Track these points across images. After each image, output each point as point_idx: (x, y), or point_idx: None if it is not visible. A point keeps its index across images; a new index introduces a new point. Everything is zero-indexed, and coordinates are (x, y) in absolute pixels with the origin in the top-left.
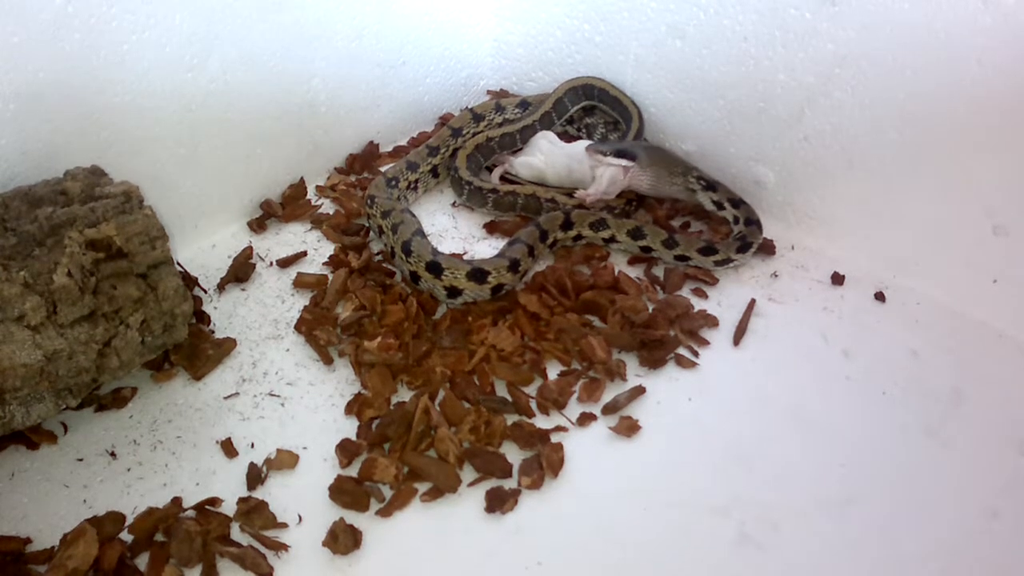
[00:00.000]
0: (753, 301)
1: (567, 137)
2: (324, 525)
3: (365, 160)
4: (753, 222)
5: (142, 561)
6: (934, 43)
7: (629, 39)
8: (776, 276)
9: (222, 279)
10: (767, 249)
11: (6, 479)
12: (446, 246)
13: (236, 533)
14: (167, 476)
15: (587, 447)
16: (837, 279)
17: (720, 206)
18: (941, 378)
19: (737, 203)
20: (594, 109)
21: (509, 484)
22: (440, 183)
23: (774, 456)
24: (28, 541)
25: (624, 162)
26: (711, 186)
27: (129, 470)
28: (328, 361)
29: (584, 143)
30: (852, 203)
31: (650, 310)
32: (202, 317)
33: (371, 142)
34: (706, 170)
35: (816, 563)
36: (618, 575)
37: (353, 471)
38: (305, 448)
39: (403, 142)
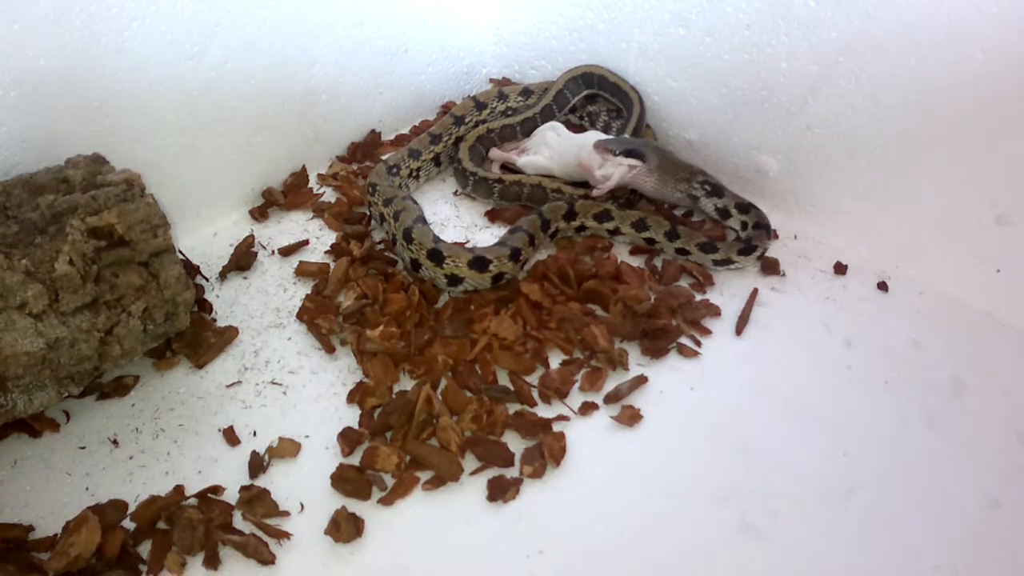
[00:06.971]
0: (755, 290)
1: (571, 127)
2: (326, 513)
3: (367, 148)
4: (762, 226)
5: (144, 549)
6: (938, 32)
7: (632, 27)
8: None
9: (224, 267)
10: (771, 268)
11: (8, 467)
12: (448, 235)
13: (238, 521)
14: (169, 464)
15: (589, 436)
16: (839, 269)
17: (725, 213)
18: (943, 368)
19: (745, 208)
20: (596, 97)
21: (511, 473)
22: (442, 171)
23: (776, 445)
24: (30, 529)
25: (632, 161)
26: (716, 191)
27: (131, 458)
28: (330, 350)
29: (595, 135)
30: (855, 192)
31: (652, 299)
32: (204, 305)
33: (373, 130)
34: (709, 159)
35: (817, 552)
36: (619, 564)
37: (355, 459)
38: (307, 436)
39: (405, 130)
